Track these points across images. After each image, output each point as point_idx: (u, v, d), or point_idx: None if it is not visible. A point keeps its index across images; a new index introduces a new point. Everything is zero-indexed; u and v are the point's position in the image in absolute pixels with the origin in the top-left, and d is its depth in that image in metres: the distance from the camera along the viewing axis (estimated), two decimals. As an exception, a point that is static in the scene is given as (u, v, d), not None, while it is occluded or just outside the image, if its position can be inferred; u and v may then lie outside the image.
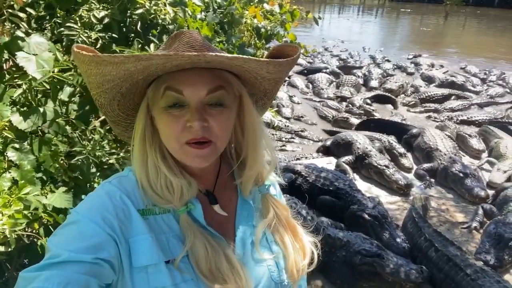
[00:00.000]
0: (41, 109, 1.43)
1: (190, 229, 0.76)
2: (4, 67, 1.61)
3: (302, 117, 6.78)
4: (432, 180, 4.59)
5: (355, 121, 6.36)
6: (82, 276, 0.63)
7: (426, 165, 4.79)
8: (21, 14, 1.50)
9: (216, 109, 0.76)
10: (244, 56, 0.70)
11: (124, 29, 1.89)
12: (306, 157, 5.20)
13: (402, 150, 5.14)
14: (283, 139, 5.77)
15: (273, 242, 0.87)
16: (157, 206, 0.78)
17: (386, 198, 4.18)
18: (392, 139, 5.38)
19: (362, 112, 6.91)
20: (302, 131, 6.05)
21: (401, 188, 4.25)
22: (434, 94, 7.78)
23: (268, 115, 5.97)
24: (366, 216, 3.38)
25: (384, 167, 4.42)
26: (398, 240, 3.20)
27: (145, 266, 0.72)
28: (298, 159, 5.11)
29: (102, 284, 0.66)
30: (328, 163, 4.90)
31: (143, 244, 0.72)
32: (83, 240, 0.67)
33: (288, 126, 6.13)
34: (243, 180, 0.87)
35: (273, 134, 5.76)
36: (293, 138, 5.87)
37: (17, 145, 1.32)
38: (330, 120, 6.70)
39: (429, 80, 9.04)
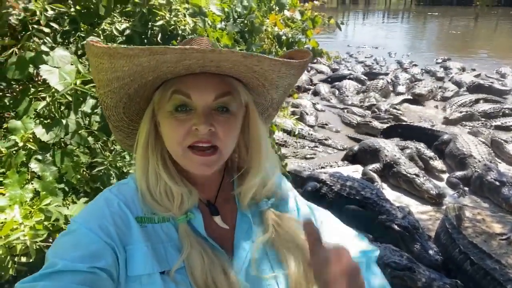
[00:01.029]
0: (64, 121, 1.46)
1: (187, 239, 0.74)
2: (35, 79, 1.67)
3: (326, 124, 6.68)
4: (466, 188, 4.35)
5: (378, 125, 6.19)
6: (77, 286, 0.61)
7: (459, 173, 4.56)
8: (46, 29, 1.54)
9: (223, 116, 0.74)
10: (259, 54, 0.68)
11: (145, 40, 1.92)
12: (331, 166, 5.09)
13: (432, 154, 4.95)
14: (306, 147, 5.68)
15: (275, 260, 0.81)
16: (156, 215, 0.76)
17: (416, 208, 3.99)
18: (421, 146, 5.18)
19: (391, 116, 6.72)
20: (326, 139, 5.93)
21: (432, 197, 4.06)
22: (464, 102, 7.42)
23: (289, 123, 5.92)
24: (396, 226, 3.23)
25: (414, 176, 4.24)
26: (431, 252, 3.04)
27: (139, 276, 0.70)
28: (322, 167, 5.01)
29: None
30: (354, 171, 4.77)
31: (138, 253, 0.71)
32: (79, 249, 0.66)
33: (311, 134, 6.04)
34: (242, 190, 0.83)
35: (296, 142, 5.68)
36: (316, 146, 5.77)
37: (40, 157, 1.34)
38: (355, 127, 6.56)
39: (458, 85, 8.68)
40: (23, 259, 1.16)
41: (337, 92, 8.47)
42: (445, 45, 15.75)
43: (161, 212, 0.75)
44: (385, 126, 6.17)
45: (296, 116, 6.43)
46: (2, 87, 1.57)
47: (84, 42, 1.73)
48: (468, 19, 24.11)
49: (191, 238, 0.74)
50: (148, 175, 0.77)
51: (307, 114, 6.71)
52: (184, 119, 0.73)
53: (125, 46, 0.65)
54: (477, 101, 7.39)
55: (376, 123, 6.25)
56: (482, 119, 6.62)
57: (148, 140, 0.78)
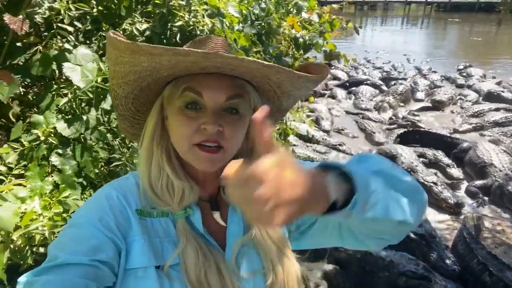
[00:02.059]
0: (84, 117, 1.50)
1: (184, 234, 0.74)
2: (56, 77, 1.72)
3: (342, 130, 6.60)
4: (486, 198, 4.23)
5: (381, 138, 5.97)
6: (80, 280, 0.61)
7: (478, 182, 4.43)
8: (70, 28, 1.59)
9: (232, 117, 0.74)
10: (278, 66, 0.68)
11: (164, 40, 1.96)
12: None
13: (449, 161, 4.84)
14: (318, 152, 5.59)
15: (258, 258, 0.80)
16: (155, 209, 0.76)
17: (434, 217, 3.90)
18: (439, 153, 5.07)
19: (408, 123, 6.60)
20: (340, 144, 5.84)
21: (450, 206, 3.96)
22: (481, 110, 7.20)
23: (304, 127, 5.87)
24: (412, 234, 3.16)
25: (432, 184, 4.15)
26: (448, 262, 2.96)
27: (135, 269, 0.70)
28: None
29: None
30: (370, 177, 4.69)
31: (136, 246, 0.71)
32: (80, 243, 0.66)
33: (325, 139, 5.96)
34: None
35: (307, 146, 5.60)
36: (327, 152, 5.66)
37: (60, 151, 1.38)
38: (370, 133, 6.43)
39: (478, 92, 8.46)
40: (41, 250, 1.19)
41: (353, 97, 8.39)
42: (466, 51, 15.43)
43: (161, 206, 0.76)
44: (382, 140, 5.91)
45: (312, 117, 6.36)
46: (26, 83, 1.62)
47: (105, 41, 1.77)
48: (490, 25, 23.57)
49: (188, 234, 0.74)
50: (151, 168, 0.77)
51: (322, 119, 6.65)
52: (194, 117, 0.73)
53: (149, 44, 0.66)
54: (496, 109, 7.18)
55: (379, 136, 6.01)
56: (494, 129, 6.43)
57: (154, 133, 0.78)
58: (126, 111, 0.85)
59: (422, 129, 6.20)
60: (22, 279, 0.62)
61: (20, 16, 1.24)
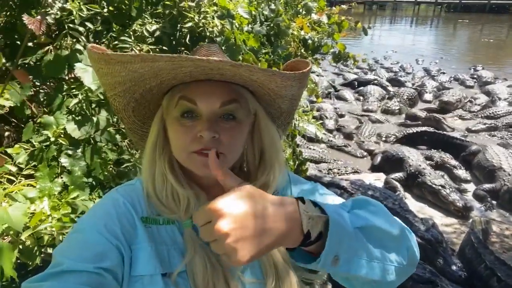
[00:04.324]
0: (95, 119, 1.51)
1: (191, 244, 0.73)
2: (67, 78, 1.73)
3: (346, 130, 6.56)
4: (494, 202, 4.19)
5: (376, 146, 5.79)
6: (83, 287, 0.61)
7: (487, 186, 4.39)
8: (81, 29, 1.60)
9: (229, 123, 0.73)
10: (249, 64, 0.66)
11: (174, 42, 1.95)
12: (346, 173, 4.96)
13: (456, 163, 4.80)
14: (322, 152, 5.55)
15: (258, 266, 0.79)
16: (161, 216, 0.76)
17: (441, 220, 3.87)
18: (447, 155, 5.02)
19: (432, 120, 6.46)
20: (345, 146, 5.78)
21: (459, 210, 3.92)
22: (497, 112, 7.06)
23: (312, 129, 5.83)
24: (418, 239, 3.14)
25: (440, 187, 4.11)
26: (454, 267, 2.93)
27: (141, 276, 0.70)
28: (338, 174, 4.91)
29: None
30: (376, 179, 4.67)
31: (142, 253, 0.71)
32: (85, 249, 0.66)
33: (331, 140, 5.91)
34: None
35: (310, 148, 5.54)
36: (333, 152, 5.61)
37: (70, 152, 1.39)
38: (359, 142, 6.12)
39: (489, 94, 8.35)
40: (49, 250, 1.20)
41: (361, 98, 8.34)
42: (476, 52, 15.23)
43: (167, 214, 0.75)
44: (372, 148, 5.67)
45: (321, 121, 6.32)
46: (37, 84, 1.63)
47: (116, 42, 1.77)
48: (501, 27, 23.24)
49: (195, 243, 0.73)
50: (155, 177, 0.77)
51: (327, 118, 6.62)
52: (190, 126, 0.72)
53: (119, 53, 0.66)
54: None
55: (371, 145, 5.77)
56: (505, 132, 6.32)
57: (156, 143, 0.78)
58: (131, 124, 0.85)
59: (430, 130, 6.11)
60: (25, 284, 0.62)
61: (39, 17, 1.25)
